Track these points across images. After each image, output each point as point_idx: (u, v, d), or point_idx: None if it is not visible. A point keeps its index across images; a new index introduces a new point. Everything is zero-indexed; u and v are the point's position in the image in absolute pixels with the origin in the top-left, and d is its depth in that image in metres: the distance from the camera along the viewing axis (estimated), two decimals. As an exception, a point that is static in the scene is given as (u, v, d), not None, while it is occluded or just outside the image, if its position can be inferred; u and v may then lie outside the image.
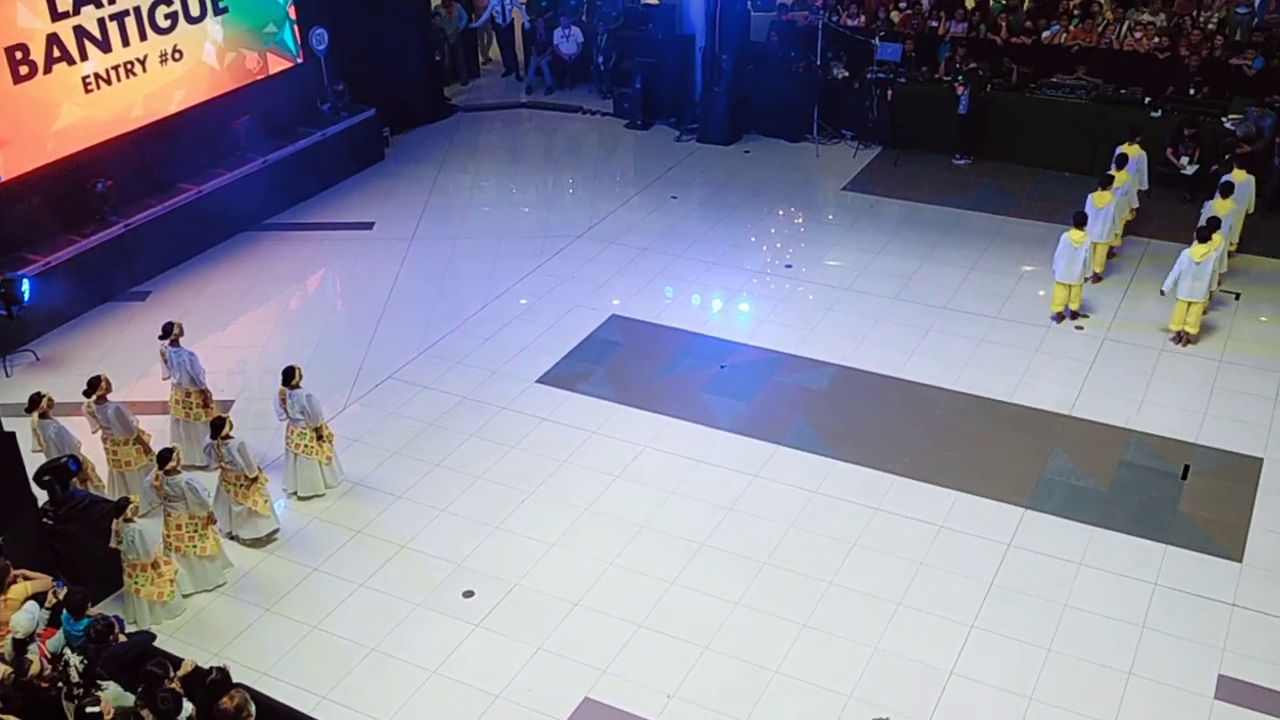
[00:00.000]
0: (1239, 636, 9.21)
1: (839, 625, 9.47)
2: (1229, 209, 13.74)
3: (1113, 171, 14.31)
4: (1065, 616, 9.47)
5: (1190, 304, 12.76)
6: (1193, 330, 12.91)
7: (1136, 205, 14.70)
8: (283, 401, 10.87)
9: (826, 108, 18.78)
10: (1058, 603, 9.61)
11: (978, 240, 15.55)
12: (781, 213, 16.82)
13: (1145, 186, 15.04)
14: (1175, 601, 9.58)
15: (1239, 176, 14.05)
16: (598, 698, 8.90)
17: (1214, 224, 12.89)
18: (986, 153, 17.84)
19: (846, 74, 18.74)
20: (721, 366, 13.05)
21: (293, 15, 17.07)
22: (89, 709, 7.19)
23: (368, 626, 9.65)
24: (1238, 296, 13.79)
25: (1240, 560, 9.97)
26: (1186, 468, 11.12)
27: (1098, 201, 13.85)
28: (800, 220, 16.64)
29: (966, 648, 9.21)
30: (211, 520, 10.10)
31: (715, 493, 11.03)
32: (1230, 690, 8.75)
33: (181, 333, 11.41)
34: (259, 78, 16.71)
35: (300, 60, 17.34)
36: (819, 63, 18.73)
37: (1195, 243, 12.57)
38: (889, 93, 18.09)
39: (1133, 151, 14.69)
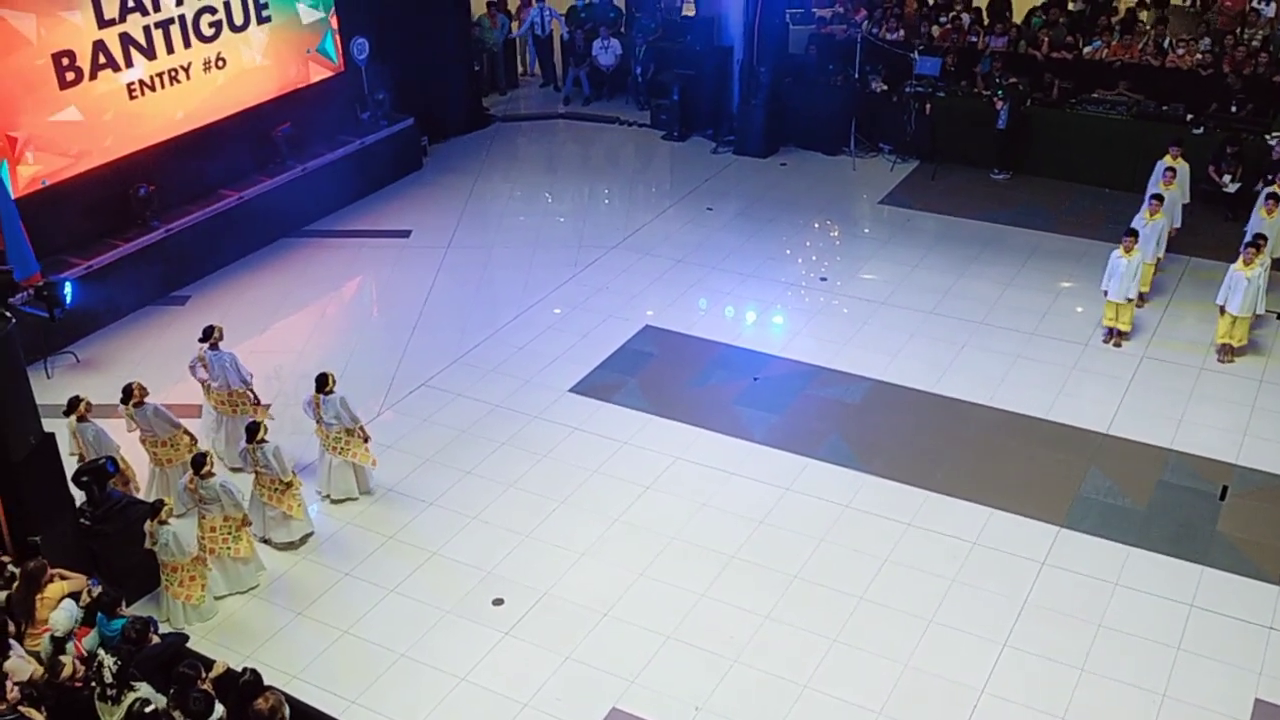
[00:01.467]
0: (1277, 660, 9.06)
1: (869, 641, 9.41)
2: (1275, 221, 13.59)
3: (1161, 188, 14.15)
4: (1099, 637, 9.36)
5: (1237, 319, 12.61)
6: (1239, 344, 12.78)
7: (1178, 225, 14.53)
8: (316, 406, 10.95)
9: (864, 121, 18.73)
10: (1092, 623, 9.50)
11: (1015, 256, 15.44)
12: (817, 225, 16.78)
13: (1188, 199, 14.87)
14: (1212, 624, 9.44)
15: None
16: (625, 708, 8.88)
17: (1261, 238, 12.77)
18: (1025, 168, 17.71)
19: (885, 88, 18.69)
20: (755, 379, 13.02)
21: (334, 24, 17.23)
22: (147, 709, 7.27)
23: (397, 632, 9.69)
24: (1279, 316, 13.60)
25: (1279, 584, 9.81)
26: (1225, 488, 10.97)
27: (1148, 220, 13.69)
28: (836, 233, 16.59)
29: (998, 666, 9.12)
30: (247, 522, 10.19)
31: (747, 505, 10.99)
32: (1267, 715, 8.61)
33: (221, 337, 11.54)
34: (300, 86, 16.88)
35: (341, 69, 17.49)
36: (857, 76, 18.69)
37: (1244, 257, 12.45)
38: (928, 106, 18.02)
39: (1178, 164, 14.54)
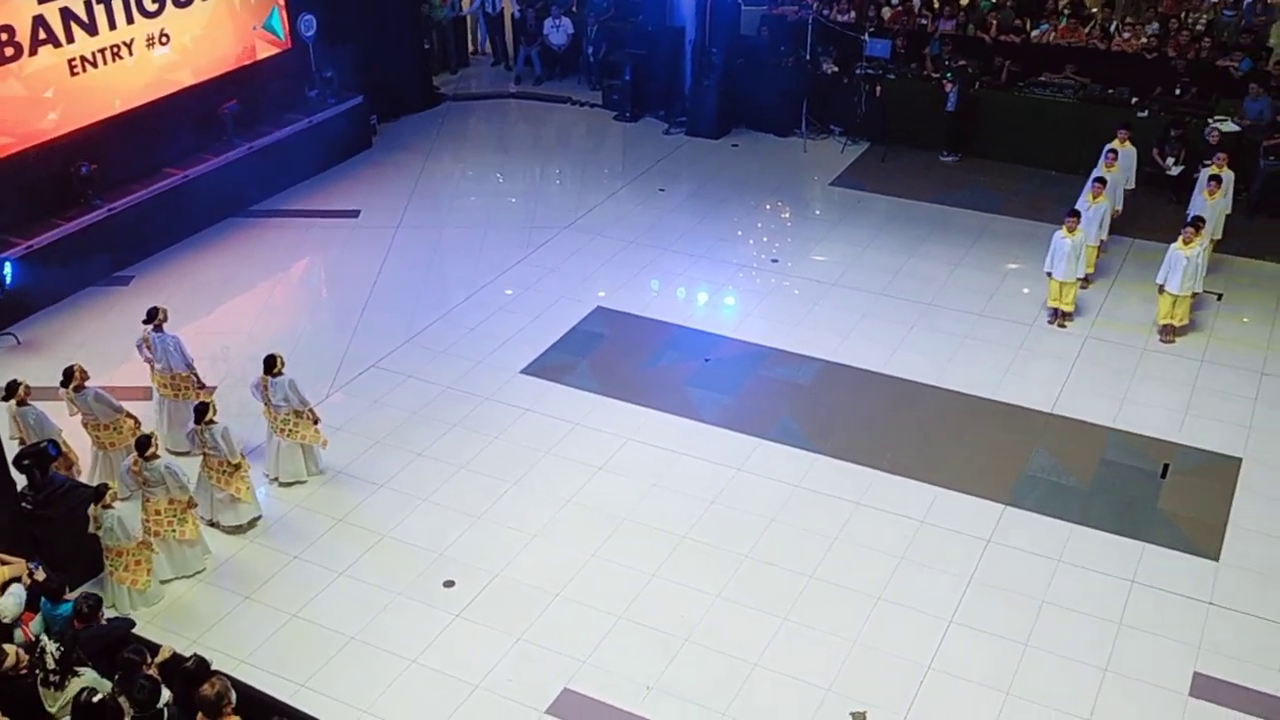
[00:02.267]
0: (1215, 634, 9.27)
1: (819, 619, 9.50)
2: (1215, 203, 13.84)
3: (1104, 171, 14.34)
4: (1044, 613, 9.52)
5: (1178, 298, 12.83)
6: (1180, 323, 12.99)
7: (1120, 207, 14.73)
8: (264, 388, 10.84)
9: (815, 103, 18.79)
10: (1036, 599, 9.65)
11: (963, 237, 15.59)
12: (769, 207, 16.83)
13: (1132, 185, 15.08)
14: (1153, 599, 9.63)
15: (1224, 172, 14.11)
16: (577, 689, 8.91)
17: (1200, 220, 13.00)
18: (974, 150, 17.88)
19: (836, 69, 18.75)
20: (706, 360, 13.06)
21: (281, 1, 16.98)
22: (94, 699, 7.17)
23: (347, 615, 9.63)
24: (1220, 297, 13.86)
25: (1217, 559, 10.03)
26: (1166, 466, 11.17)
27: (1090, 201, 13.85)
28: (787, 215, 16.65)
29: (945, 642, 9.25)
30: (192, 504, 10.07)
31: (698, 486, 11.04)
32: (1206, 688, 8.80)
33: (165, 318, 11.36)
34: (246, 63, 16.62)
35: (289, 46, 17.25)
36: (808, 58, 18.73)
37: (1183, 236, 12.66)
38: (878, 89, 18.11)
39: (1123, 148, 14.73)
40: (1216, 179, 13.96)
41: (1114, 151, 14.59)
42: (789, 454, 11.44)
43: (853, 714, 8.61)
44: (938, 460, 11.32)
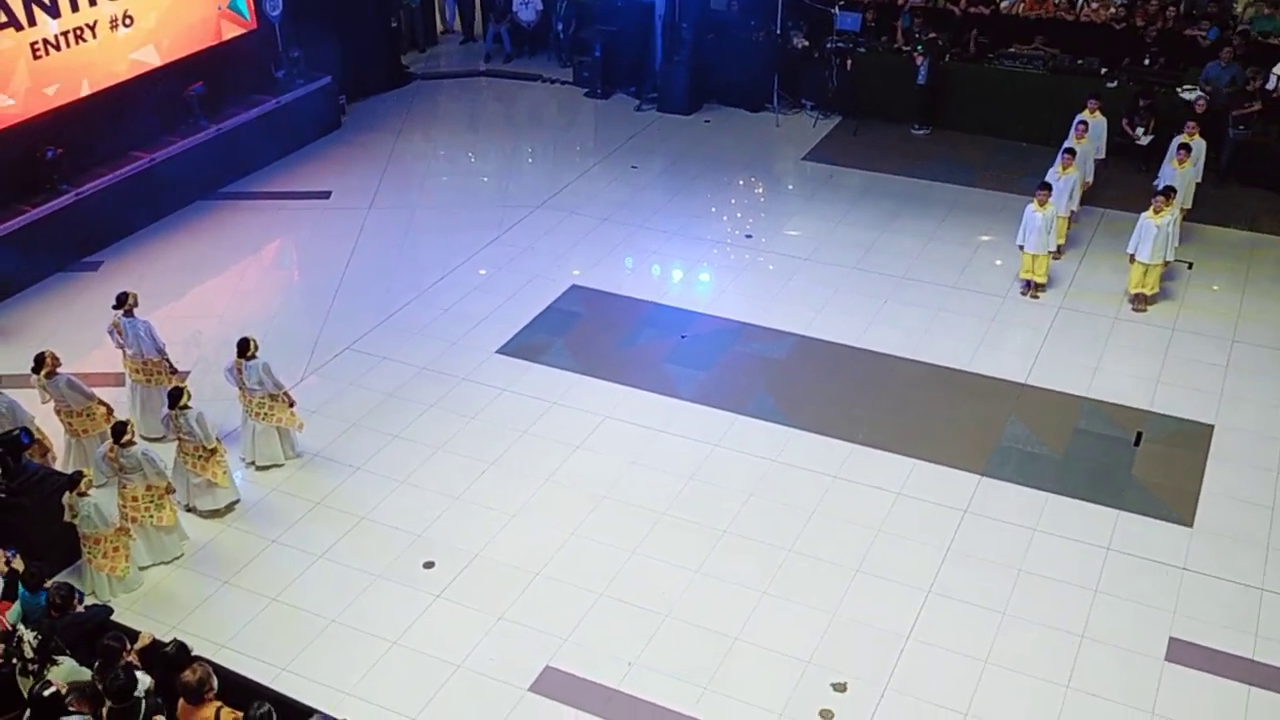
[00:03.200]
0: (1190, 600, 9.39)
1: (798, 592, 9.56)
2: (1185, 172, 13.94)
3: (1074, 142, 14.39)
4: (1020, 581, 9.61)
5: (1149, 267, 12.92)
6: (1151, 292, 13.09)
7: (1091, 179, 14.81)
8: (238, 372, 10.77)
9: (786, 77, 18.76)
10: (1013, 568, 9.75)
11: (936, 210, 15.64)
12: (741, 183, 16.82)
13: (1103, 155, 15.16)
14: (1128, 566, 9.74)
15: (1194, 140, 14.20)
16: (559, 666, 8.94)
17: (1171, 189, 13.08)
18: (945, 123, 17.90)
19: (806, 43, 18.72)
20: (682, 336, 13.06)
21: (245, -20, 16.79)
22: (45, 692, 7.10)
23: (327, 598, 9.62)
24: (1190, 265, 13.97)
25: (1191, 525, 10.15)
26: (1139, 435, 11.28)
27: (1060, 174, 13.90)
28: (760, 190, 16.64)
29: (923, 612, 9.33)
30: (170, 490, 10.01)
31: (676, 462, 11.06)
32: (1181, 652, 8.92)
33: (136, 303, 11.26)
34: (212, 44, 16.43)
35: (254, 26, 17.05)
36: (779, 32, 18.68)
37: (1154, 206, 12.75)
38: (849, 62, 18.09)
39: (1093, 119, 14.79)
40: (1185, 148, 14.05)
41: (1084, 123, 14.64)
42: (766, 429, 11.48)
43: (833, 685, 8.69)
44: (913, 432, 11.38)
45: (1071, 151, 14.09)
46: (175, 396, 10.17)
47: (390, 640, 9.19)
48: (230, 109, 16.70)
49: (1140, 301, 13.19)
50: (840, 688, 8.68)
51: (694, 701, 8.61)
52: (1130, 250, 13.01)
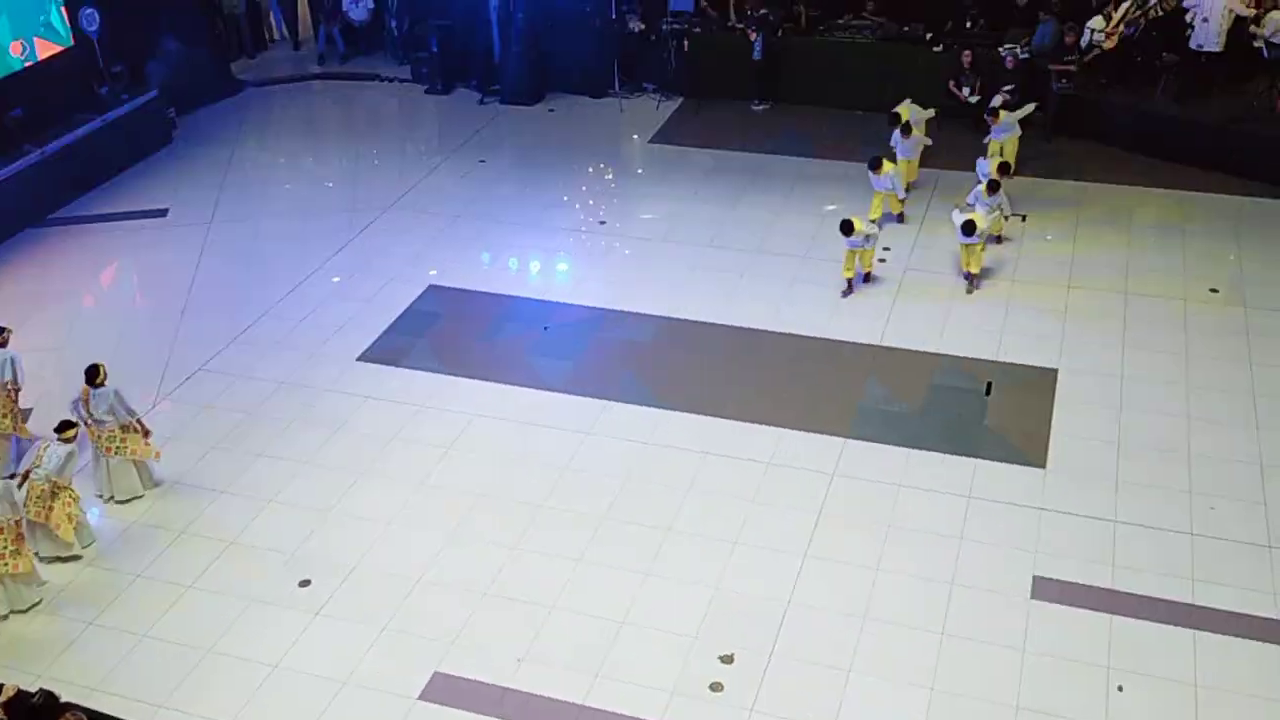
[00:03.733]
0: (1048, 538, 9.84)
1: (679, 570, 9.68)
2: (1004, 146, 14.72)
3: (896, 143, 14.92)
4: (890, 536, 9.93)
5: (970, 248, 13.19)
6: (976, 270, 13.30)
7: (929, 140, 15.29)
8: (85, 402, 10.33)
9: (626, 62, 18.85)
10: (883, 524, 10.06)
11: (781, 183, 15.95)
12: (591, 169, 16.85)
13: (930, 142, 15.49)
14: (989, 511, 10.15)
15: (1003, 117, 14.87)
16: (448, 670, 8.87)
17: (1005, 168, 13.57)
18: (783, 96, 18.24)
19: (643, 26, 18.84)
20: (545, 328, 13.05)
21: (59, -4, 16.06)
22: None
23: (200, 628, 9.33)
24: (1024, 218, 14.56)
25: (1044, 467, 10.63)
26: (989, 384, 11.75)
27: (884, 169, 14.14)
28: (610, 176, 16.71)
29: (802, 577, 9.55)
30: (20, 536, 9.53)
31: (550, 454, 11.06)
32: (1045, 589, 9.35)
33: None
34: (28, 65, 15.67)
35: (72, 43, 16.33)
36: (614, 17, 18.74)
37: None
38: (685, 43, 18.28)
39: (905, 112, 15.18)
40: (994, 112, 14.69)
41: (897, 115, 15.07)
42: (636, 412, 11.57)
43: (721, 657, 8.84)
44: (779, 402, 11.62)
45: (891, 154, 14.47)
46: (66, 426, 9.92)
47: (271, 664, 8.98)
48: (53, 130, 15.99)
49: (971, 280, 13.30)
50: (728, 659, 8.84)
51: (586, 690, 8.65)
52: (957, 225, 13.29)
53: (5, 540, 9.35)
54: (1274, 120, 15.26)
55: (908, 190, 14.88)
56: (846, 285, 13.29)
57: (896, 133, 14.70)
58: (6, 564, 9.39)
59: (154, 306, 13.92)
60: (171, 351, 12.83)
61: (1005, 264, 13.73)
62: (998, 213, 13.46)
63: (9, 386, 10.91)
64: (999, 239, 13.84)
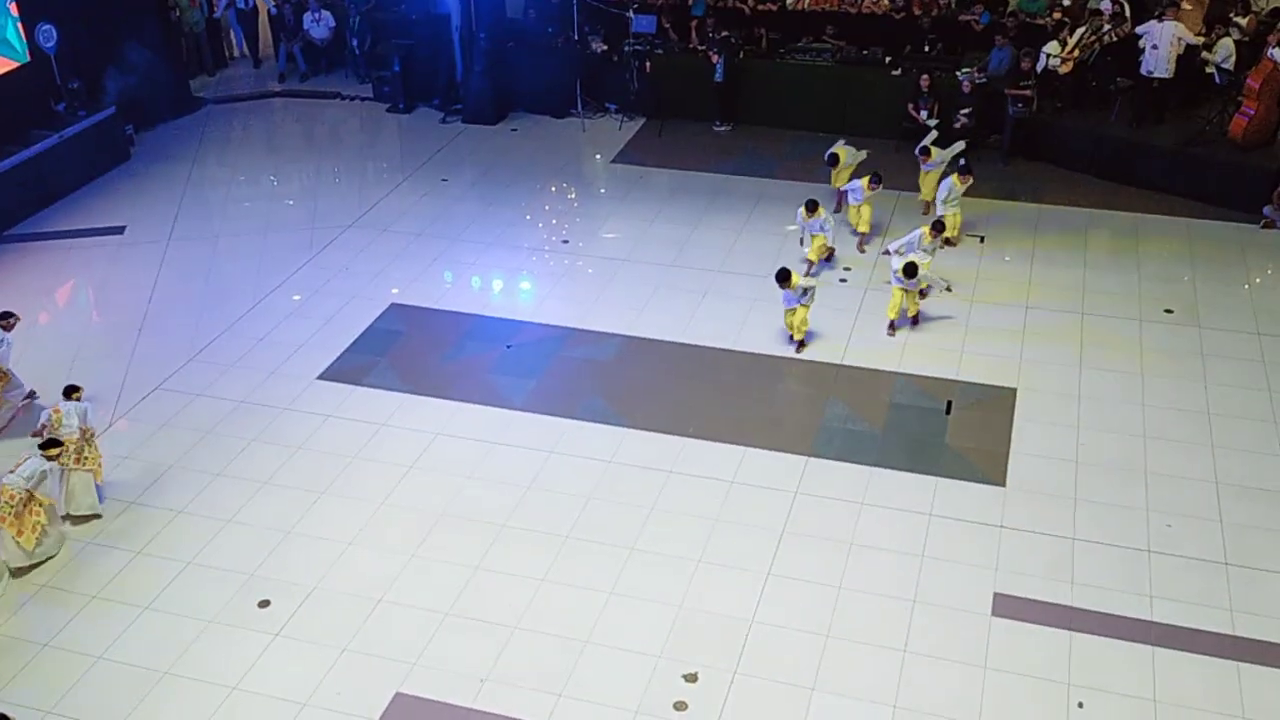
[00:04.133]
0: (1009, 555, 9.93)
1: (643, 589, 9.67)
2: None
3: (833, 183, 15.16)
4: (852, 554, 9.97)
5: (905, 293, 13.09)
6: (912, 313, 13.21)
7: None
8: (55, 415, 10.29)
9: (589, 82, 18.91)
10: (845, 542, 10.10)
11: (743, 203, 16.05)
12: (554, 189, 16.87)
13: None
14: (950, 529, 10.23)
15: (934, 154, 15.00)
16: (410, 691, 8.79)
17: (940, 223, 13.52)
18: (745, 118, 18.37)
19: (605, 47, 18.92)
20: (508, 346, 13.02)
21: (15, 12, 15.85)
22: None
23: (158, 650, 9.19)
24: (983, 239, 14.75)
25: (1004, 485, 10.73)
26: (949, 403, 11.86)
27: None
28: (573, 195, 16.73)
29: (765, 595, 9.57)
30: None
31: (512, 473, 11.03)
32: (1005, 606, 9.42)
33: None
34: (-19, 80, 15.51)
35: (28, 59, 16.14)
36: (577, 38, 18.82)
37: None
38: (648, 65, 18.38)
39: (844, 153, 15.35)
40: (926, 150, 14.96)
41: (836, 155, 15.25)
42: (599, 431, 11.56)
43: (684, 676, 8.82)
44: (742, 421, 11.66)
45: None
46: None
47: (229, 686, 8.86)
48: (8, 147, 15.78)
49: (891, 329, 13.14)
50: (691, 678, 8.83)
51: (549, 710, 8.61)
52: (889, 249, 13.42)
53: None
54: (1226, 144, 15.56)
55: (865, 237, 14.91)
56: (794, 342, 12.82)
57: (858, 183, 14.54)
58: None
59: (111, 324, 13.74)
60: (129, 370, 12.67)
61: (964, 284, 13.87)
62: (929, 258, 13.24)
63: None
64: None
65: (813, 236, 14.06)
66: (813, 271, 14.03)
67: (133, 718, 8.61)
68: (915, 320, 13.13)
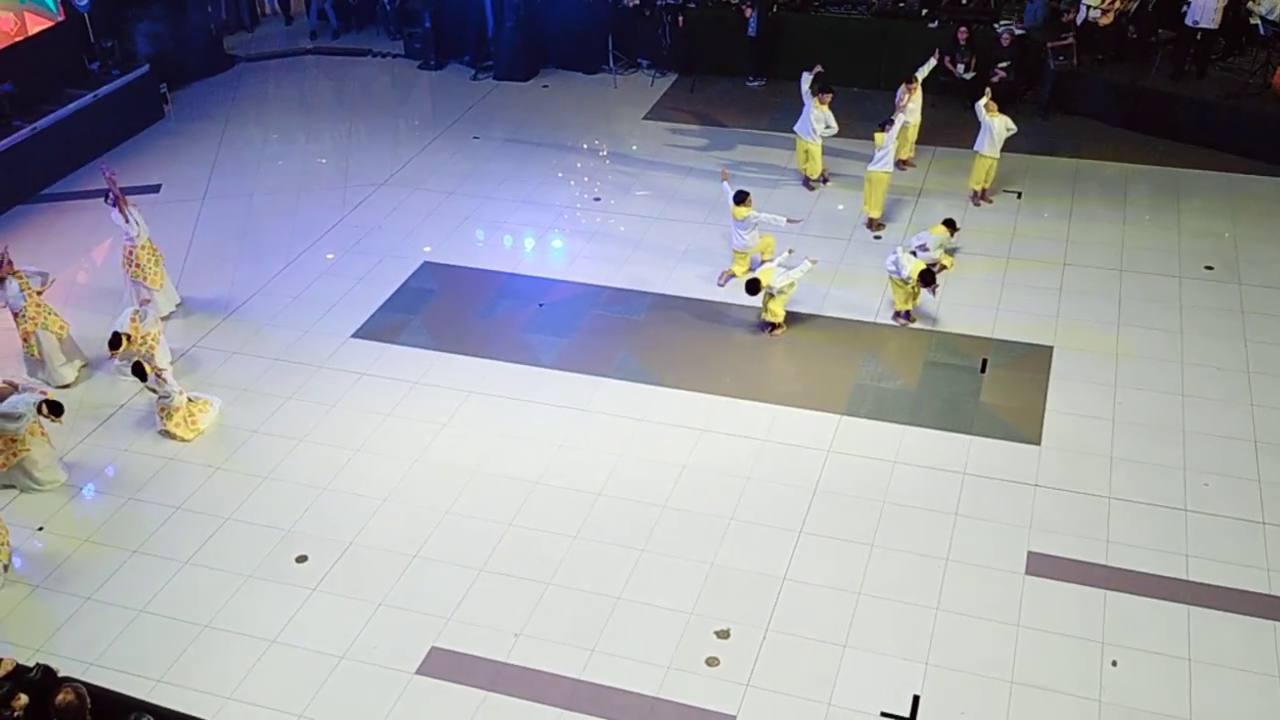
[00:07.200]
0: (1043, 514, 9.88)
1: (675, 547, 9.70)
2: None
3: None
4: (885, 513, 9.96)
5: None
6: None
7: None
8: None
9: (620, 38, 18.75)
10: (877, 501, 10.08)
11: (777, 160, 15.90)
12: (586, 146, 16.79)
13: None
14: (983, 488, 10.18)
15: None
16: (445, 645, 8.90)
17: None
18: (778, 73, 18.15)
19: (637, 2, 18.73)
20: (540, 305, 13.03)
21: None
22: None
23: (198, 604, 9.34)
24: (1020, 195, 14.55)
25: (1039, 443, 10.65)
26: (985, 361, 11.76)
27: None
28: (605, 152, 16.65)
29: (796, 553, 9.59)
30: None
31: (544, 431, 11.07)
32: (1039, 565, 9.39)
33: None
34: (17, 39, 15.55)
35: (62, 18, 16.20)
36: (608, -8, 18.67)
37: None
38: (680, 19, 18.18)
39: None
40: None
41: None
42: (631, 389, 11.57)
43: (717, 633, 8.87)
44: (774, 379, 11.63)
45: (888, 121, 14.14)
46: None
47: (268, 639, 9.00)
48: (44, 106, 15.87)
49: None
50: (724, 635, 8.87)
51: (583, 665, 8.68)
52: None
53: None
54: (1270, 97, 15.24)
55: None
56: (766, 327, 12.36)
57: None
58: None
59: (147, 283, 13.84)
60: (165, 329, 12.76)
61: (1001, 240, 13.72)
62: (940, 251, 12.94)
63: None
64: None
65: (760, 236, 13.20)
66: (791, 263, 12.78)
67: (174, 669, 8.78)
68: (909, 316, 12.47)
